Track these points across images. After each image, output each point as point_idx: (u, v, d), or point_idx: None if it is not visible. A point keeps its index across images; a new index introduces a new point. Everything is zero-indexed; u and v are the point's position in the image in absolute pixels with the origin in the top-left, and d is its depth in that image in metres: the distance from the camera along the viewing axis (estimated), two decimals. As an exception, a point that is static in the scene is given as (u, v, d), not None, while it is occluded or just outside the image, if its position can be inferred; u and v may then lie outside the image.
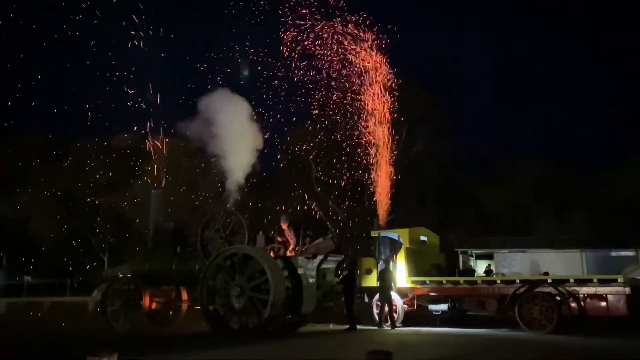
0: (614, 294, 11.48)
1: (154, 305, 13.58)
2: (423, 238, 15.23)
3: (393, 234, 14.29)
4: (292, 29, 20.13)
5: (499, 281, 12.88)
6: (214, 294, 11.96)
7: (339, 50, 20.53)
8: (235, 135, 13.29)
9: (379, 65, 20.75)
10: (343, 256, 13.50)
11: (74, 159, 31.20)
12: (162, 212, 15.10)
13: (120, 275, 14.04)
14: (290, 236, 12.90)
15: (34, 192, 31.33)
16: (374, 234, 14.99)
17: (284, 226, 12.93)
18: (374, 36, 20.71)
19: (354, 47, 20.89)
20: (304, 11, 19.75)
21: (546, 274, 13.55)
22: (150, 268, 13.63)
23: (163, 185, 15.51)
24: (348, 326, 12.81)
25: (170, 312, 14.45)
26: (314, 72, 21.01)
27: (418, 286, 13.51)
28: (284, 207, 27.35)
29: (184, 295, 14.20)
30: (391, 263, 13.57)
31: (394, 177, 21.12)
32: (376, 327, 13.15)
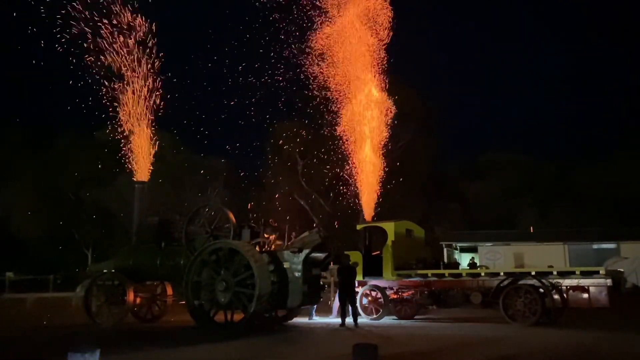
0: (596, 285, 11.67)
1: (138, 301, 13.50)
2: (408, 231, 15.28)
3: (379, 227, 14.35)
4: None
5: (483, 274, 13.00)
6: (199, 289, 11.90)
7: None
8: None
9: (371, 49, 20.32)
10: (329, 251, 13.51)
11: (57, 153, 30.82)
12: (146, 207, 14.94)
13: (105, 271, 13.87)
14: (278, 242, 12.91)
15: (16, 186, 30.86)
16: (359, 227, 15.00)
17: (271, 238, 12.85)
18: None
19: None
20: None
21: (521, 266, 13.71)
22: (134, 263, 13.49)
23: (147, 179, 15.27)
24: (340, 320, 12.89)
25: (156, 308, 14.38)
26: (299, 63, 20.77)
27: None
28: (271, 200, 27.30)
29: (169, 291, 14.13)
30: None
31: (381, 171, 21.02)
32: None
